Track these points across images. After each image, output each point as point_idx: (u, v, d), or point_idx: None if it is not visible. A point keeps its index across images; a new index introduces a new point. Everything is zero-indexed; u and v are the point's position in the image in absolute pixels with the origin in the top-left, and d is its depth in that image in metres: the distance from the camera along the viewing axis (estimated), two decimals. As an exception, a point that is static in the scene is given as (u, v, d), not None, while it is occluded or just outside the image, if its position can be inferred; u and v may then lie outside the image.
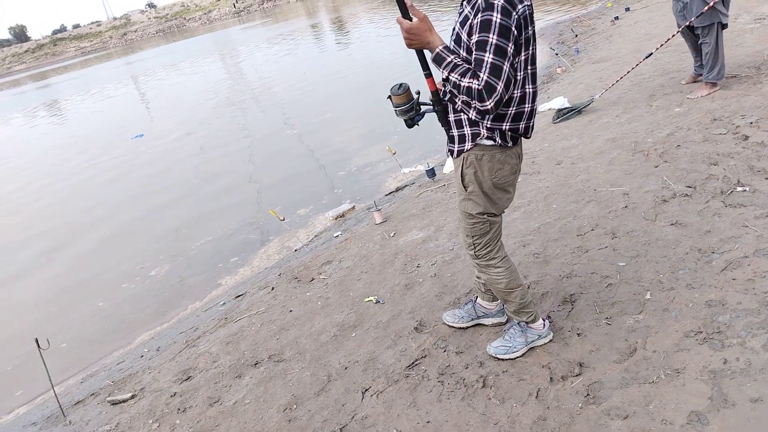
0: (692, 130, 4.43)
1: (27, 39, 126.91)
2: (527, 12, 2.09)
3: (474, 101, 2.07)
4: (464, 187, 2.39)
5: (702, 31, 4.92)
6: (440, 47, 2.14)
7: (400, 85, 2.35)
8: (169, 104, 17.50)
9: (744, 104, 4.58)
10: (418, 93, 2.39)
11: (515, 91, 2.19)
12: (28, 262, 7.03)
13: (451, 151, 2.41)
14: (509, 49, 2.02)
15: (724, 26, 4.85)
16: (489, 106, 2.04)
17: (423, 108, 2.41)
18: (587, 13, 13.07)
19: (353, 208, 5.94)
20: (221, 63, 27.12)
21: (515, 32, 2.03)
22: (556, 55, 8.92)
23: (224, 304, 4.47)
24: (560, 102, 6.32)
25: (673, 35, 5.35)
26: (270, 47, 27.30)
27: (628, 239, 3.29)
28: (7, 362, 4.76)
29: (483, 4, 2.02)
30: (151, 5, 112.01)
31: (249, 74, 19.96)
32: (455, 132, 2.34)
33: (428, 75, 2.28)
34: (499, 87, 2.01)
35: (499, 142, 2.26)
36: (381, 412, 2.56)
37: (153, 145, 11.77)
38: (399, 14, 2.17)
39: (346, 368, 2.95)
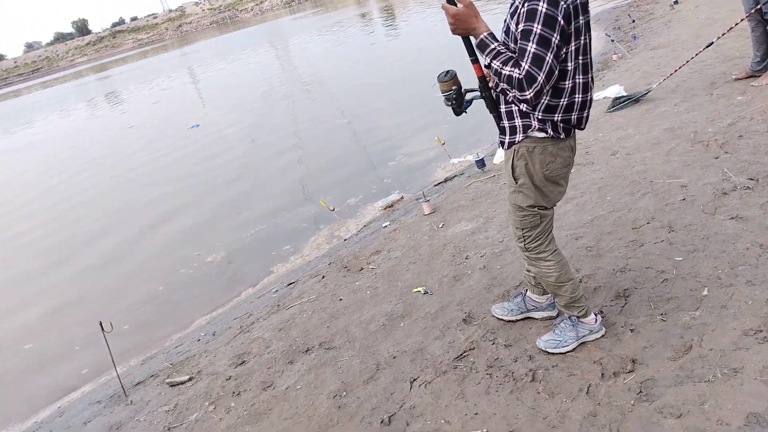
0: (755, 120, 4.24)
1: (88, 32, 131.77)
2: (578, 1, 2.05)
3: (514, 90, 2.07)
4: (515, 179, 2.37)
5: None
6: (485, 33, 2.13)
7: (447, 71, 2.36)
8: (222, 94, 17.90)
9: (814, 92, 4.36)
10: (464, 90, 2.38)
11: (566, 82, 2.16)
12: (95, 247, 7.36)
13: (502, 143, 2.40)
14: (554, 39, 1.99)
15: None
16: (528, 96, 2.03)
17: (470, 95, 2.41)
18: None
19: (402, 198, 5.96)
20: (273, 53, 27.51)
21: (562, 22, 1.99)
22: (612, 41, 8.66)
23: (276, 291, 4.58)
24: (616, 90, 6.15)
25: (737, 23, 5.12)
26: (320, 37, 27.53)
27: (685, 233, 3.19)
28: (75, 342, 5.02)
29: None
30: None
31: (300, 64, 20.19)
32: (506, 123, 2.33)
33: (474, 61, 2.28)
34: (539, 78, 1.99)
35: (551, 134, 2.24)
36: (429, 402, 2.59)
37: (208, 135, 12.08)
38: (445, 0, 2.17)
39: (394, 357, 2.99)
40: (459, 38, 2.27)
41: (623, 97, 5.82)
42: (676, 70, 5.80)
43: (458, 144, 6.82)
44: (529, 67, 2.00)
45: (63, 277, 6.66)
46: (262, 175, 8.45)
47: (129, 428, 3.22)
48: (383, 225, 5.14)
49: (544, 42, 1.99)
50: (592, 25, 10.12)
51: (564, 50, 2.07)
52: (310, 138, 9.77)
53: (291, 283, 4.60)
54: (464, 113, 2.46)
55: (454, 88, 2.35)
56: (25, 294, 6.47)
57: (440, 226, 4.48)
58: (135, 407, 3.43)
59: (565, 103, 2.19)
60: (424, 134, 7.99)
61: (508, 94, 2.26)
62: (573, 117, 2.24)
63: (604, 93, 6.26)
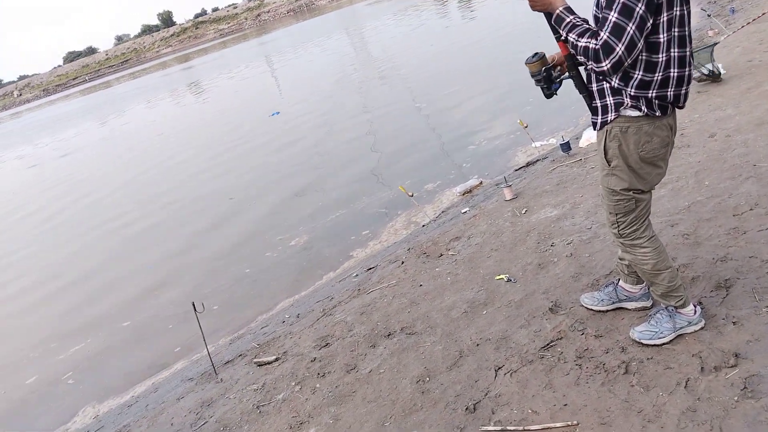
0: None
1: (173, 24, 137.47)
2: None
3: (590, 62, 2.04)
4: (607, 161, 2.28)
5: None
6: (561, 8, 2.13)
7: (535, 53, 2.33)
8: (299, 82, 18.24)
9: None
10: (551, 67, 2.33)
11: (659, 56, 2.05)
12: (188, 229, 7.73)
13: (594, 123, 2.30)
14: (638, 9, 1.92)
15: None
16: (605, 68, 1.99)
17: (560, 76, 2.35)
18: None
19: (480, 183, 5.87)
20: (348, 39, 27.72)
21: None
22: (708, 16, 8.11)
23: (357, 275, 4.64)
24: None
25: None
26: (395, 21, 27.44)
27: (794, 221, 2.96)
28: (169, 321, 5.31)
29: None
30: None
31: (374, 49, 20.25)
32: (598, 102, 2.24)
33: (559, 38, 2.23)
34: (618, 48, 1.95)
35: (646, 111, 2.12)
36: (515, 391, 2.54)
37: (287, 123, 12.37)
38: None
39: (477, 345, 2.96)
40: (543, 20, 2.24)
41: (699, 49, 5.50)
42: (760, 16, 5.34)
43: (541, 127, 6.63)
44: (608, 36, 1.96)
45: (158, 258, 7.04)
46: (340, 160, 8.58)
47: (219, 405, 3.37)
48: (462, 211, 5.08)
49: (627, 11, 1.93)
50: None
51: (650, 21, 1.97)
52: (386, 124, 9.80)
53: (370, 268, 4.64)
54: (555, 95, 2.40)
55: (542, 69, 2.32)
56: (122, 273, 6.88)
57: (523, 212, 4.38)
58: (225, 385, 3.58)
59: (660, 78, 2.08)
60: (504, 118, 7.83)
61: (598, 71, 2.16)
62: (669, 93, 2.12)
63: (701, 70, 5.88)
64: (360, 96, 12.78)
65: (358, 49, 22.97)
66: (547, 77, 2.33)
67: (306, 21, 58.77)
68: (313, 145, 9.84)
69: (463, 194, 5.75)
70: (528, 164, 5.69)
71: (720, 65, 5.63)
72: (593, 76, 2.24)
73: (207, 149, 12.30)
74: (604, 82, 2.19)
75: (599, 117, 2.25)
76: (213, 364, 3.80)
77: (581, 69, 2.27)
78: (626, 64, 2.01)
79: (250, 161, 10.19)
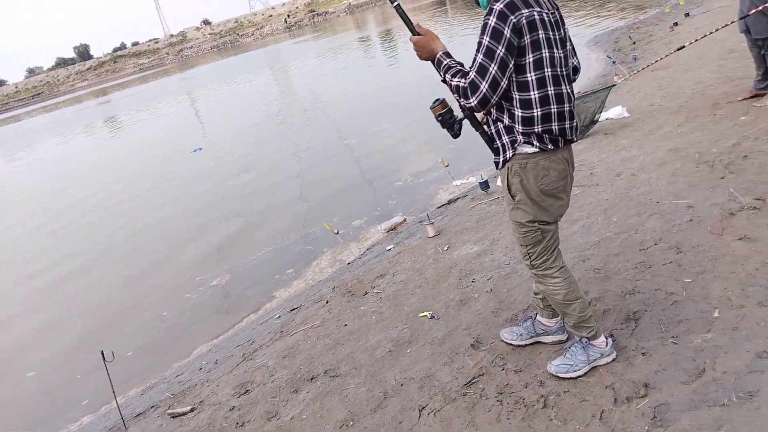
0: (760, 140, 4.24)
1: (90, 57, 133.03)
2: (538, 17, 2.16)
3: (462, 99, 2.24)
4: (511, 196, 2.41)
5: (763, 42, 4.75)
6: (440, 53, 2.34)
7: (436, 99, 2.48)
8: (223, 118, 17.99)
9: (817, 111, 4.36)
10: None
11: (531, 93, 2.22)
12: (104, 270, 7.33)
13: (496, 163, 2.45)
14: (498, 51, 2.13)
15: None
16: (473, 104, 2.20)
17: (460, 117, 2.49)
18: (645, 19, 12.74)
19: (404, 221, 5.93)
20: (273, 77, 27.74)
21: (509, 35, 2.12)
22: (614, 63, 8.72)
23: (279, 317, 4.53)
24: (618, 111, 6.18)
25: (711, 32, 5.16)
26: (320, 61, 27.75)
27: (693, 254, 3.16)
28: (77, 370, 4.96)
29: (489, 9, 2.19)
30: (207, 22, 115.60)
31: (300, 88, 20.34)
32: (498, 143, 2.39)
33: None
34: (482, 86, 2.16)
35: (538, 145, 2.27)
36: (438, 431, 2.53)
37: (210, 159, 12.12)
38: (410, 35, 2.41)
39: (402, 385, 2.94)
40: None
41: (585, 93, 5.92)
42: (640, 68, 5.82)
43: (461, 166, 6.82)
44: (474, 75, 2.17)
45: (68, 302, 6.62)
46: (264, 197, 8.46)
47: (131, 460, 3.15)
48: (387, 248, 5.10)
49: (489, 53, 2.15)
50: (592, 47, 10.20)
51: (512, 63, 2.17)
52: (312, 161, 9.79)
53: (294, 309, 4.55)
54: (459, 134, 2.52)
55: (443, 111, 2.45)
56: (28, 320, 6.42)
57: (445, 248, 4.45)
58: (136, 438, 3.36)
59: (540, 114, 2.24)
60: (427, 156, 8.01)
61: (492, 113, 2.36)
62: (554, 128, 2.27)
63: (606, 114, 6.27)
64: (285, 133, 12.74)
65: (284, 86, 23.01)
66: (449, 119, 2.45)
67: (230, 57, 58.45)
68: (236, 182, 9.67)
69: (388, 231, 5.79)
70: (449, 202, 5.82)
71: (609, 113, 6.07)
72: (489, 118, 2.40)
73: (125, 186, 11.82)
74: (499, 123, 2.34)
75: (500, 156, 2.39)
76: (122, 418, 3.57)
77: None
78: (493, 100, 2.20)
79: (170, 198, 9.87)
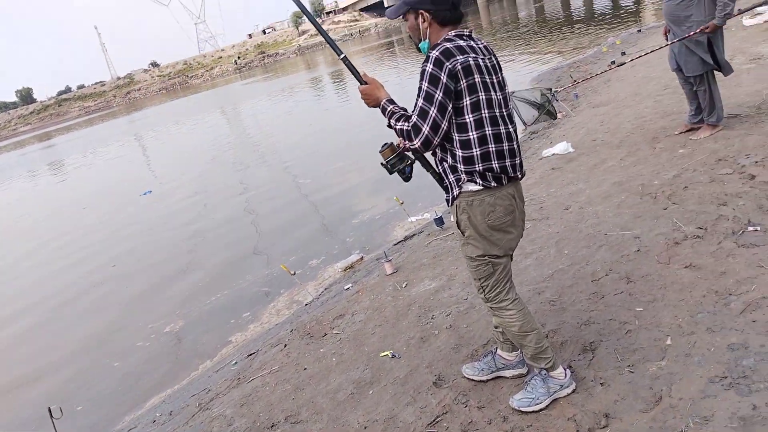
0: (698, 171, 4.46)
1: (33, 101, 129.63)
2: (473, 62, 2.29)
3: (406, 141, 2.37)
4: (461, 231, 2.49)
5: (694, 79, 5.04)
6: (384, 100, 2.47)
7: (384, 143, 2.57)
8: (172, 160, 17.74)
9: (747, 144, 4.63)
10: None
11: (469, 134, 2.32)
12: (53, 317, 7.00)
13: (447, 201, 2.54)
14: (437, 95, 2.25)
15: (717, 70, 4.95)
16: (417, 145, 2.31)
17: (409, 160, 2.58)
18: (583, 59, 13.33)
19: (362, 259, 5.93)
20: (224, 118, 27.62)
21: (446, 80, 2.24)
22: (557, 101, 9.06)
23: (236, 363, 4.42)
24: (563, 147, 6.40)
25: (650, 51, 5.43)
26: (272, 101, 27.82)
27: (643, 283, 3.27)
28: (25, 426, 4.68)
29: (426, 57, 2.31)
30: (155, 64, 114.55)
31: (252, 128, 20.28)
32: (446, 181, 2.49)
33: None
34: (424, 128, 2.27)
35: (481, 183, 2.36)
36: (404, 472, 2.49)
37: (161, 201, 11.88)
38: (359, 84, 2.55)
39: (365, 428, 2.89)
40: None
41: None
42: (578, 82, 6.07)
43: (416, 202, 6.89)
44: (416, 119, 2.29)
45: (13, 355, 6.28)
46: (218, 241, 8.31)
47: None
48: (345, 287, 5.07)
49: (428, 97, 2.27)
50: (535, 86, 10.54)
51: (450, 105, 2.28)
52: (266, 201, 9.72)
53: (251, 354, 4.45)
54: (410, 177, 2.62)
55: (392, 156, 2.54)
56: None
57: (404, 285, 4.46)
58: (86, 499, 3.18)
59: (479, 153, 2.33)
60: (381, 194, 8.06)
61: (437, 153, 2.45)
62: (494, 166, 2.36)
63: (552, 150, 6.50)
64: (238, 174, 12.63)
65: (235, 127, 22.92)
66: (398, 163, 2.54)
67: (179, 99, 58.02)
68: (188, 225, 9.49)
69: (345, 270, 5.76)
70: (406, 238, 5.86)
71: (554, 148, 6.34)
72: (434, 159, 2.51)
73: (73, 231, 11.43)
74: (444, 163, 2.43)
75: (450, 194, 2.48)
76: (72, 477, 3.37)
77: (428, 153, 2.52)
78: (435, 142, 2.31)
79: (119, 243, 9.58)
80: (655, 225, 3.88)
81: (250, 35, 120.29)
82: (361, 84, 2.54)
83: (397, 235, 6.26)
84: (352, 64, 2.62)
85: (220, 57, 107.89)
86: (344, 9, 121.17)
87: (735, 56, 7.50)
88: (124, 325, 6.25)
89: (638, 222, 4.02)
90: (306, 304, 5.28)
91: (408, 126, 2.32)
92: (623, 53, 11.65)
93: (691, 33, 4.83)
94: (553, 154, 6.39)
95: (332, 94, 25.04)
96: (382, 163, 2.58)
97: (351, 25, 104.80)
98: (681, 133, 5.47)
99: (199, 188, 12.15)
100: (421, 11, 2.38)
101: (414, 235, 5.85)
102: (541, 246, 4.23)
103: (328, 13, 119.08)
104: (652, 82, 8.20)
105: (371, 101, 2.51)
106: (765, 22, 9.16)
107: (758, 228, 3.38)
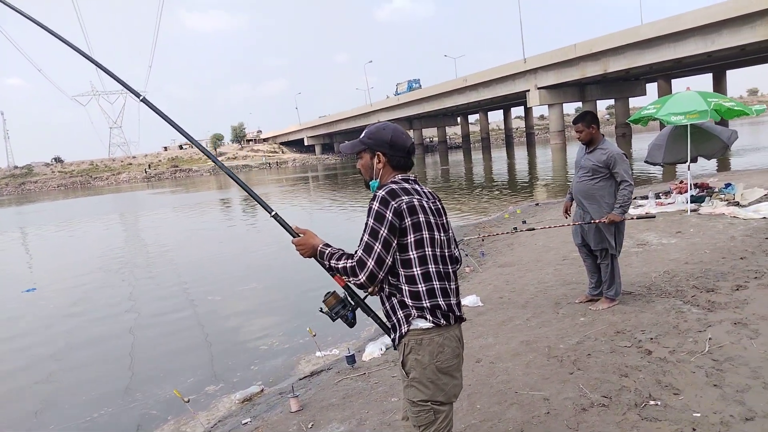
0: (599, 341, 4.76)
1: None
2: (417, 203, 2.44)
3: (351, 277, 2.41)
4: (406, 373, 2.44)
5: (600, 253, 5.55)
6: (321, 245, 2.54)
7: (327, 292, 2.60)
8: (61, 260, 16.55)
9: (642, 320, 5.04)
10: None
11: (413, 270, 2.40)
12: None
13: (393, 341, 2.50)
14: (381, 231, 2.35)
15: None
16: (362, 280, 2.37)
17: (352, 306, 2.59)
18: (488, 221, 14.32)
19: (262, 391, 5.61)
20: (122, 224, 26.52)
21: (391, 218, 2.36)
22: (467, 255, 9.54)
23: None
24: (473, 300, 6.65)
25: (550, 227, 5.93)
26: (184, 215, 27.22)
27: (554, 447, 3.31)
28: None
29: (373, 196, 2.44)
30: (58, 159, 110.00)
31: (157, 240, 19.55)
32: (393, 319, 2.47)
33: (333, 274, 2.54)
34: (369, 263, 2.34)
35: (431, 320, 2.39)
36: None
37: (46, 302, 10.88)
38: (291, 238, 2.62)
39: None
40: (348, 229, 2.53)
41: None
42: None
43: (326, 337, 6.75)
44: (362, 253, 2.37)
45: None
46: (113, 353, 7.60)
47: None
48: (243, 422, 4.73)
49: (373, 233, 2.37)
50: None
51: (394, 241, 2.38)
52: (163, 319, 9.13)
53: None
54: (354, 322, 2.62)
55: (335, 303, 2.57)
56: None
57: (309, 426, 4.24)
58: None
59: (424, 289, 2.41)
60: (293, 323, 7.82)
61: (385, 289, 2.46)
62: (441, 303, 2.43)
63: (463, 301, 6.71)
64: (134, 288, 11.93)
65: (134, 235, 22.01)
66: (343, 307, 2.56)
67: (78, 198, 55.45)
68: (70, 332, 8.66)
69: (243, 402, 5.40)
70: (312, 374, 5.65)
71: (465, 300, 6.59)
72: (382, 296, 2.49)
73: None
74: (393, 298, 2.44)
75: (396, 333, 2.47)
76: None
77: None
78: (380, 276, 2.37)
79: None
80: (562, 389, 4.02)
81: (165, 148, 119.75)
82: (294, 237, 2.60)
83: (303, 369, 6.02)
84: (283, 220, 2.69)
85: (130, 163, 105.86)
86: (265, 140, 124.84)
87: (624, 240, 8.36)
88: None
89: (546, 383, 4.15)
90: (194, 437, 4.84)
91: (353, 262, 2.38)
92: (524, 221, 12.66)
93: (594, 221, 5.38)
94: (464, 305, 6.59)
95: (244, 216, 24.95)
96: (323, 311, 2.58)
97: (269, 155, 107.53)
98: (581, 302, 5.88)
99: (105, 296, 11.29)
100: (378, 153, 2.54)
101: (322, 371, 5.66)
102: (453, 397, 4.22)
103: (248, 140, 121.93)
104: (552, 251, 8.89)
105: (307, 250, 2.55)
106: (647, 213, 10.40)
107: (659, 403, 3.59)
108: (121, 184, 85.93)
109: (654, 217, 7.36)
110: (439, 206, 2.59)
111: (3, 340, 8.68)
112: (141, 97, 2.94)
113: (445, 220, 2.59)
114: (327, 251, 2.50)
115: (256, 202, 2.83)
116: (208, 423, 5.10)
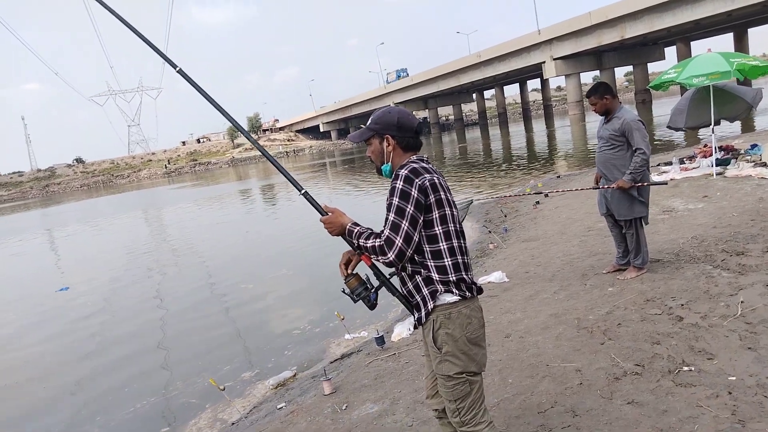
0: (629, 310, 4.72)
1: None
2: (438, 180, 2.46)
3: (379, 256, 2.40)
4: (438, 348, 2.46)
5: (624, 223, 5.48)
6: (349, 224, 2.54)
7: (349, 273, 2.59)
8: (91, 258, 16.89)
9: (671, 287, 4.99)
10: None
11: (440, 245, 2.43)
12: None
13: (419, 320, 2.51)
14: (408, 210, 2.36)
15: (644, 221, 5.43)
16: (390, 258, 2.37)
17: (374, 286, 2.60)
18: (509, 197, 14.22)
19: (294, 375, 5.70)
20: (146, 220, 26.90)
21: (417, 195, 2.37)
22: (489, 232, 9.50)
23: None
24: (498, 276, 6.63)
25: (570, 190, 5.86)
26: (200, 209, 27.51)
27: (589, 418, 3.31)
28: None
29: (395, 176, 2.45)
30: (80, 160, 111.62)
31: (184, 233, 19.81)
32: (417, 298, 2.49)
33: (361, 253, 2.55)
34: (397, 241, 2.35)
35: (457, 293, 2.42)
36: None
37: (81, 300, 11.14)
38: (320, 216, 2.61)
39: None
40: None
41: None
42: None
43: (355, 319, 6.80)
44: (389, 232, 2.37)
45: None
46: (154, 344, 7.78)
47: None
48: (278, 406, 4.82)
49: (400, 212, 2.37)
50: (468, 216, 10.95)
51: (421, 218, 2.40)
52: (204, 307, 9.28)
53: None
54: (376, 304, 2.62)
55: (358, 284, 2.57)
56: None
57: (344, 407, 4.29)
58: None
59: (450, 263, 2.44)
60: (321, 308, 7.91)
61: (407, 269, 2.48)
62: (465, 276, 2.47)
63: (488, 278, 6.71)
64: (166, 282, 12.13)
65: (160, 230, 22.32)
66: (364, 289, 2.56)
67: (101, 197, 56.34)
68: (106, 329, 8.87)
69: (277, 387, 5.50)
70: (343, 356, 5.72)
71: (490, 277, 6.64)
72: (404, 275, 2.52)
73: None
74: (417, 276, 2.46)
75: (422, 311, 2.48)
76: None
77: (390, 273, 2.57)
78: (408, 253, 2.38)
79: (35, 342, 8.77)
80: (594, 359, 4.01)
81: (183, 142, 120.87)
82: (322, 215, 2.60)
83: (333, 352, 6.10)
84: (313, 198, 2.68)
85: (150, 160, 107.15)
86: (281, 128, 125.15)
87: (649, 207, 8.25)
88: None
89: (578, 355, 4.14)
90: (233, 424, 4.95)
91: (380, 241, 2.38)
92: (546, 195, 12.54)
93: (611, 185, 5.31)
94: (489, 282, 6.59)
95: (266, 205, 25.13)
96: (345, 292, 2.60)
97: (286, 144, 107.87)
98: (609, 272, 5.83)
99: (135, 290, 11.53)
100: (387, 136, 2.55)
101: (352, 353, 5.73)
102: (484, 373, 4.23)
103: (264, 130, 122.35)
104: (576, 223, 8.80)
105: (336, 229, 2.55)
106: (671, 179, 10.24)
107: (692, 368, 3.56)
108: (142, 181, 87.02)
109: (665, 183, 7.20)
110: (447, 185, 2.63)
111: (46, 338, 8.91)
112: (177, 68, 2.96)
113: (452, 197, 2.61)
114: (355, 230, 2.50)
115: (278, 189, 2.84)
116: (244, 409, 5.20)
